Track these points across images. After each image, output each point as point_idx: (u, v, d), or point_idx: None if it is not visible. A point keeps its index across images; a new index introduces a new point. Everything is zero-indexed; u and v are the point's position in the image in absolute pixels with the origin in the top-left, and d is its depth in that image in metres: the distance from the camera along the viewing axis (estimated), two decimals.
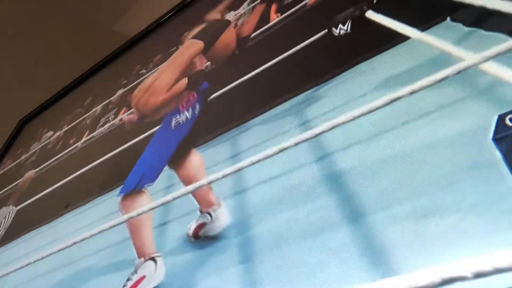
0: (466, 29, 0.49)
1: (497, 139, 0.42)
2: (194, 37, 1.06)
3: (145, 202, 0.73)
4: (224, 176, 0.61)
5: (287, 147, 0.54)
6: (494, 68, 0.43)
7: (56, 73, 1.90)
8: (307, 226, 0.48)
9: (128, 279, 0.64)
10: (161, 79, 0.96)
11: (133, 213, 0.72)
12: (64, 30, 2.10)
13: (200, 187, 0.66)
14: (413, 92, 0.46)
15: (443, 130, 0.45)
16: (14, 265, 0.89)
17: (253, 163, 0.57)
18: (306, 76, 0.64)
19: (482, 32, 0.47)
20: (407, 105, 0.49)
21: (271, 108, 0.65)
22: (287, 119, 0.60)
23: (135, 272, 0.65)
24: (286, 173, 0.54)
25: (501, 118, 0.42)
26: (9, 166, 1.51)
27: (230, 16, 1.04)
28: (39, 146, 1.45)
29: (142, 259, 0.66)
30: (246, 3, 1.02)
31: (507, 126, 0.42)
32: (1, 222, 1.19)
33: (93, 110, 1.35)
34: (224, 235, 0.56)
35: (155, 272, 0.63)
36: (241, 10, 1.01)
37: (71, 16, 2.12)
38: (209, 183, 0.64)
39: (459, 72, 0.45)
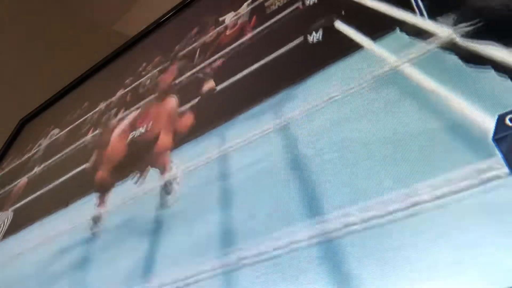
0: (409, 39, 0.63)
1: (497, 139, 0.43)
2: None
3: None
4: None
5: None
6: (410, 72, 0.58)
7: (56, 73, 1.96)
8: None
9: None
10: None
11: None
12: (64, 30, 2.17)
13: None
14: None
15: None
16: None
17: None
18: (283, 77, 0.79)
19: (420, 43, 0.61)
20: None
21: (251, 107, 0.81)
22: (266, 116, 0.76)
23: None
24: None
25: (501, 118, 0.44)
26: (16, 163, 1.60)
27: (229, 17, 1.15)
28: (45, 144, 1.54)
29: None
30: (245, 4, 1.12)
31: (507, 126, 0.43)
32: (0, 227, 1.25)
33: (98, 107, 1.45)
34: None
35: None
36: (241, 11, 1.12)
37: (71, 16, 2.19)
38: None
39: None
